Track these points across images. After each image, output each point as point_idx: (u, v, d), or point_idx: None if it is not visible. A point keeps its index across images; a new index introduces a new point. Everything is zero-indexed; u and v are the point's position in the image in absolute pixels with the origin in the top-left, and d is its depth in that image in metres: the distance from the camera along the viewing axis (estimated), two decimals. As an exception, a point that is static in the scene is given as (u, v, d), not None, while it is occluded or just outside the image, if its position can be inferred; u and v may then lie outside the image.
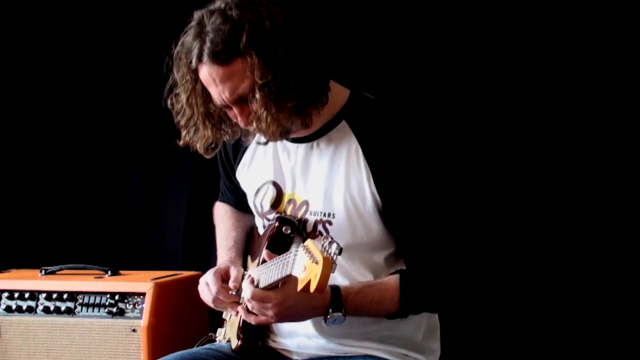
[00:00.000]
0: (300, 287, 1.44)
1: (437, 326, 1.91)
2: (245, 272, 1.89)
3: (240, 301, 1.85)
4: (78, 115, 3.24)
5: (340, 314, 1.62)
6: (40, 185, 3.21)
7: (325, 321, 1.63)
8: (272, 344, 1.87)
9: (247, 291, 1.63)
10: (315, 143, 1.77)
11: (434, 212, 1.71)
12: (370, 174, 1.70)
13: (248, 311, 1.70)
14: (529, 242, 2.71)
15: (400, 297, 1.69)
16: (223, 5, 1.63)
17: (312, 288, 1.39)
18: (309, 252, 1.44)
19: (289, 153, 1.82)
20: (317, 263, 1.39)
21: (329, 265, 1.38)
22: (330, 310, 1.61)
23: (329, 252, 1.41)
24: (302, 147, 1.79)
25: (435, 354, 1.89)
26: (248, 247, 2.05)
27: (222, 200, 2.16)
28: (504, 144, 2.75)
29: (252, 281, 1.65)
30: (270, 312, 1.62)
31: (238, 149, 1.94)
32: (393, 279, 1.70)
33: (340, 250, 1.41)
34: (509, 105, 2.75)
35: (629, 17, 2.62)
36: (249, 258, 2.00)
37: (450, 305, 1.86)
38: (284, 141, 1.82)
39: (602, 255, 2.65)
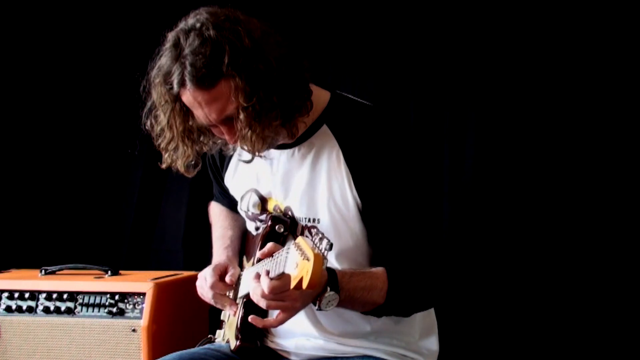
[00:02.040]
0: (292, 284, 1.43)
1: (434, 325, 1.91)
2: (241, 272, 1.89)
3: (237, 301, 1.86)
4: (78, 115, 3.24)
5: (334, 292, 1.56)
6: (40, 185, 3.21)
7: (319, 303, 1.57)
8: (270, 345, 1.87)
9: (264, 284, 1.53)
10: (297, 149, 1.76)
11: (413, 214, 1.70)
12: (351, 177, 1.69)
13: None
14: (529, 242, 2.72)
15: (389, 287, 1.66)
16: (199, 25, 1.57)
17: (305, 284, 1.38)
18: (300, 249, 1.43)
19: (271, 161, 1.80)
20: (308, 260, 1.38)
21: (320, 262, 1.37)
22: (328, 288, 1.56)
23: (320, 248, 1.41)
24: (284, 153, 1.77)
25: (434, 355, 1.88)
26: (243, 247, 2.05)
27: (217, 201, 2.17)
28: (504, 145, 2.75)
29: (267, 273, 1.55)
30: (288, 303, 1.55)
31: (224, 157, 1.93)
32: (381, 270, 1.68)
33: (330, 246, 1.41)
34: (510, 106, 2.75)
35: (629, 17, 2.62)
36: (244, 258, 2.01)
37: (430, 307, 1.85)
38: None
39: (602, 255, 2.65)
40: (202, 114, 1.62)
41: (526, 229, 2.72)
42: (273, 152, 1.78)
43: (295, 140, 1.74)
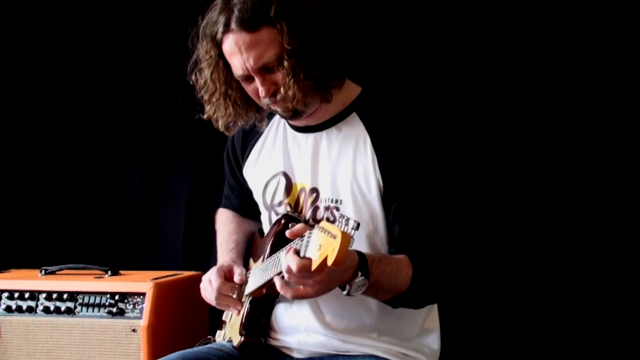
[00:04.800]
0: (314, 266, 1.43)
1: (436, 323, 1.92)
2: (248, 272, 1.90)
3: (243, 299, 1.86)
4: (78, 115, 3.24)
5: (364, 278, 1.58)
6: (40, 185, 3.21)
7: (350, 289, 1.57)
8: (272, 342, 1.88)
9: (292, 262, 1.51)
10: (325, 132, 1.81)
11: (432, 203, 1.74)
12: (376, 160, 1.73)
13: (284, 285, 1.61)
14: (529, 239, 2.71)
15: (413, 272, 1.68)
16: None
17: (330, 261, 1.38)
18: (325, 231, 1.43)
19: (299, 144, 1.85)
20: (334, 238, 1.39)
21: (347, 240, 1.38)
22: (359, 273, 1.57)
23: (347, 228, 1.41)
24: (311, 136, 1.83)
25: (435, 354, 1.89)
26: (249, 250, 2.06)
27: (225, 206, 2.19)
28: (503, 142, 2.75)
29: (297, 252, 1.53)
30: (311, 282, 1.54)
31: (246, 146, 1.97)
32: (403, 256, 1.71)
33: (357, 225, 1.41)
34: (508, 104, 2.74)
35: (629, 17, 2.62)
36: (251, 260, 2.01)
37: (447, 296, 1.88)
38: (294, 133, 1.86)
39: (601, 252, 2.64)
40: (239, 62, 1.68)
41: (526, 226, 2.71)
42: (300, 136, 1.85)
43: (323, 124, 1.81)
